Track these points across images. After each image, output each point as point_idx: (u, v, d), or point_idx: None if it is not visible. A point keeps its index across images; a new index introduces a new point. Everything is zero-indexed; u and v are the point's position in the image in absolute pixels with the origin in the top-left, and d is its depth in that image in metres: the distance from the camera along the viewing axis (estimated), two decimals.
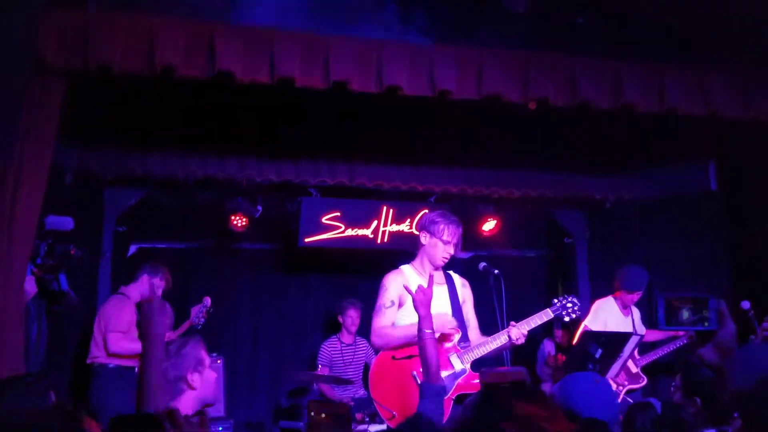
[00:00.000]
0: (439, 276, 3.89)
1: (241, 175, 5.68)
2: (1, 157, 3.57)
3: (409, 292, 3.19)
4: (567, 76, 4.43)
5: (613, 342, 4.38)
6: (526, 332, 3.76)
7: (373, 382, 3.81)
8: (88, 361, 4.96)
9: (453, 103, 4.46)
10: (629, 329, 5.08)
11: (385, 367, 3.78)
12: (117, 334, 4.86)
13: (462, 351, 3.80)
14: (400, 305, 3.80)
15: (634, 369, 5.24)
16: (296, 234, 6.13)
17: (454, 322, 3.78)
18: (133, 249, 6.41)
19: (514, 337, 3.71)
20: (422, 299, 3.09)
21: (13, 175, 3.72)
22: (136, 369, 4.78)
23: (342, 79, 4.09)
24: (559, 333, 6.31)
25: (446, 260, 3.87)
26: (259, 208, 6.12)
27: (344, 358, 6.06)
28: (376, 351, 3.93)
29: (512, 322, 3.79)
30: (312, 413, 3.86)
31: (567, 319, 4.06)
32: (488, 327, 4.94)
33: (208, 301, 5.11)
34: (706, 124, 4.96)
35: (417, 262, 3.94)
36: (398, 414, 3.68)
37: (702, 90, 4.60)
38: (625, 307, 5.26)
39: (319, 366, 6.02)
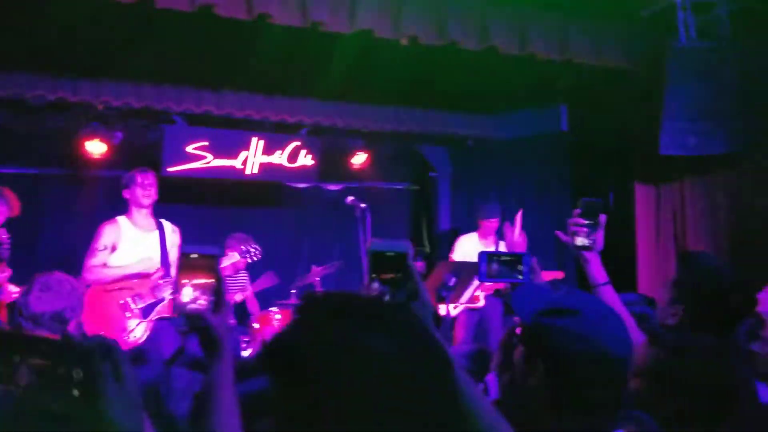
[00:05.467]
0: (151, 223, 4.74)
1: (97, 99, 5.34)
2: None
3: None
4: (437, 15, 4.55)
5: (467, 271, 4.73)
6: None
7: (88, 312, 4.29)
8: None
9: (325, 36, 4.44)
10: None
11: (96, 299, 4.43)
12: None
13: (162, 284, 4.57)
14: (113, 250, 4.61)
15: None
16: (159, 163, 5.91)
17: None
18: None
19: None
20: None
21: None
22: None
23: (207, 2, 3.93)
24: (420, 265, 6.65)
25: (148, 198, 4.67)
26: (119, 134, 5.81)
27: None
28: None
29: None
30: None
31: (249, 260, 4.96)
32: (355, 256, 5.17)
33: (2, 235, 4.78)
34: (562, 68, 5.30)
35: (129, 214, 4.72)
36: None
37: (559, 36, 4.90)
38: (485, 238, 5.65)
39: None
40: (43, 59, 5.06)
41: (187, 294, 1.40)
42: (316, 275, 5.75)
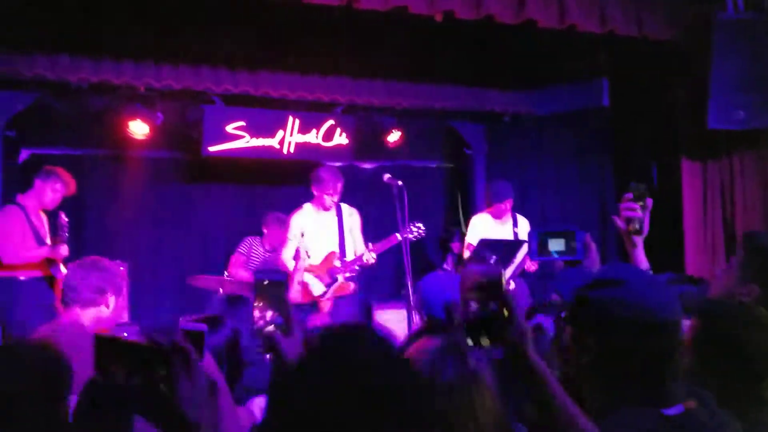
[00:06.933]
0: (332, 209, 5.15)
1: (139, 81, 5.44)
2: None
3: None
4: None
5: (506, 249, 4.67)
6: (375, 256, 5.08)
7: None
8: None
9: (359, 13, 4.41)
10: (508, 237, 5.37)
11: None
12: (6, 245, 4.71)
13: (338, 267, 5.12)
14: (302, 236, 5.07)
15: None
16: (199, 143, 6.00)
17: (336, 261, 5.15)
18: (24, 155, 6.09)
19: (364, 260, 5.05)
20: None
21: None
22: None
23: None
24: (456, 245, 6.60)
25: (333, 203, 5.13)
26: (160, 115, 5.91)
27: (258, 260, 6.11)
28: None
29: (369, 245, 5.09)
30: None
31: (413, 238, 5.11)
32: (391, 233, 5.25)
33: (63, 218, 4.93)
34: (603, 42, 5.17)
35: (315, 202, 5.18)
36: None
37: (599, 8, 4.77)
38: (499, 218, 5.52)
39: (238, 253, 6.04)
40: (87, 42, 5.17)
41: (262, 317, 1.50)
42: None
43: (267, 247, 6.06)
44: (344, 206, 5.24)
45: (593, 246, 2.20)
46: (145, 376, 1.10)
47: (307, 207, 5.19)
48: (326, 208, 5.12)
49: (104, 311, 2.61)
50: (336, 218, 5.17)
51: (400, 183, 4.88)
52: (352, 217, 5.25)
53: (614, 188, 6.59)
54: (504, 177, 6.41)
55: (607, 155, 6.68)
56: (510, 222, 5.56)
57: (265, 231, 6.07)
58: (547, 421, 1.19)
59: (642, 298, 1.37)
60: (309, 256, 5.02)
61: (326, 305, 5.10)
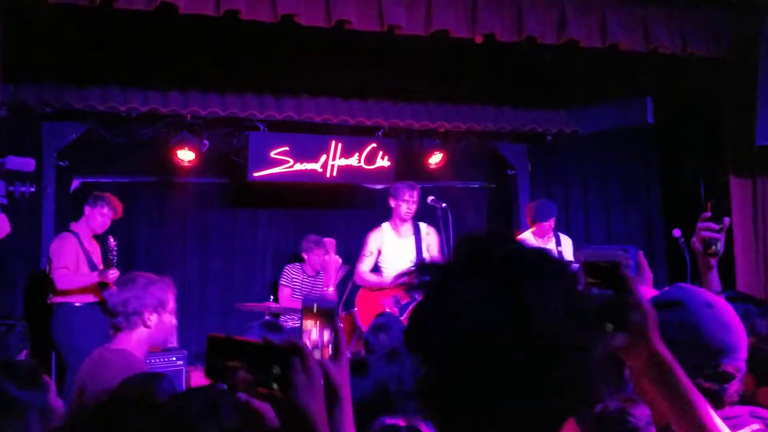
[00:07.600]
0: (408, 228, 5.26)
1: (185, 110, 5.58)
2: None
3: None
4: (514, 11, 4.49)
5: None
6: None
7: (359, 310, 5.17)
8: (49, 301, 4.94)
9: (401, 38, 4.47)
10: None
11: (366, 298, 5.20)
12: (62, 271, 4.84)
13: None
14: (379, 254, 5.29)
15: None
16: (244, 168, 6.09)
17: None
18: (76, 184, 6.26)
19: None
20: None
21: None
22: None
23: (289, 12, 4.04)
24: None
25: (410, 214, 5.17)
26: (206, 142, 6.04)
27: (303, 288, 6.18)
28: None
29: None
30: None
31: None
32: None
33: (111, 241, 5.05)
34: (646, 59, 5.13)
35: (392, 220, 5.29)
36: None
37: (643, 26, 4.74)
38: (542, 237, 5.52)
39: (282, 286, 6.12)
40: (135, 74, 5.34)
41: (310, 342, 1.51)
42: None
43: (310, 272, 6.12)
44: (422, 225, 5.30)
45: (646, 264, 2.16)
46: (260, 374, 1.12)
47: (385, 226, 5.30)
48: (403, 220, 5.18)
49: (144, 332, 2.55)
50: (413, 237, 5.25)
51: (444, 205, 4.91)
52: (429, 235, 5.30)
53: (660, 207, 6.49)
54: (547, 197, 6.37)
55: (653, 174, 6.59)
56: (553, 241, 5.55)
57: (305, 257, 6.13)
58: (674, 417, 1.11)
59: (698, 319, 1.34)
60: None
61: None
